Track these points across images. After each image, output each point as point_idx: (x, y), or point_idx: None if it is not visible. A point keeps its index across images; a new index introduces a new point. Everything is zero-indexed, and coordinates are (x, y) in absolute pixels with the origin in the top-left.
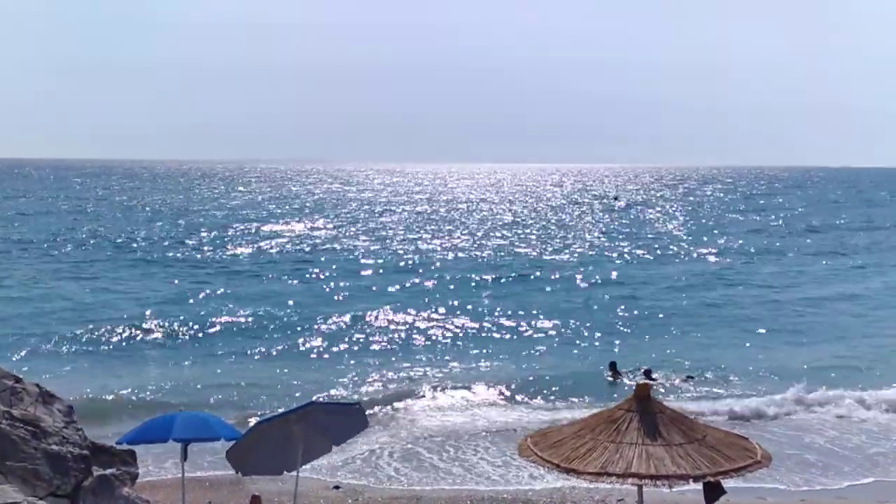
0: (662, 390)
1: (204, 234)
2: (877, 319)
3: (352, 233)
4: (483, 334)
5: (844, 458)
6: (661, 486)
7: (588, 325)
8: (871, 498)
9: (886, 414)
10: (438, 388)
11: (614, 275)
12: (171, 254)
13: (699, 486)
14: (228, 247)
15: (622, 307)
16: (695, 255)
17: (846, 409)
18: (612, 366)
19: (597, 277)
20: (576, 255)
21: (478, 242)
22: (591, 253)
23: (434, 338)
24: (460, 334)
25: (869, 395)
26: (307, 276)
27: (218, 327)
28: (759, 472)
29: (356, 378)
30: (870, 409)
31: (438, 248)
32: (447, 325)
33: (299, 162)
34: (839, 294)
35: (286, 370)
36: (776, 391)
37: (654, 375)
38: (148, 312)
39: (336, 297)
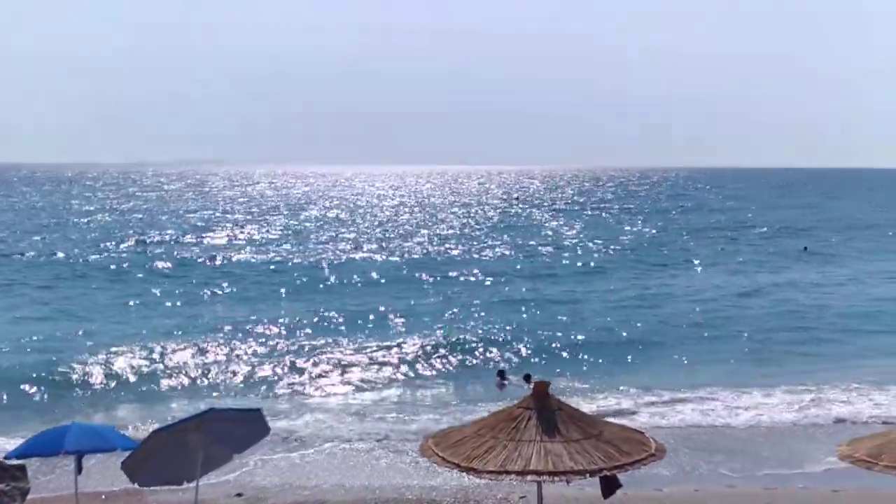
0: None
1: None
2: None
3: (261, 239)
4: (396, 340)
5: (737, 452)
6: (560, 482)
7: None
8: (758, 485)
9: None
10: (344, 393)
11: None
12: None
13: (598, 480)
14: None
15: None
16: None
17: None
18: (501, 373)
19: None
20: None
21: (380, 245)
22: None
23: (342, 344)
24: (370, 340)
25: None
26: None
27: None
28: (656, 463)
29: (259, 384)
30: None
31: (344, 253)
32: (357, 332)
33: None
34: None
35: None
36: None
37: (531, 380)
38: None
39: (238, 305)
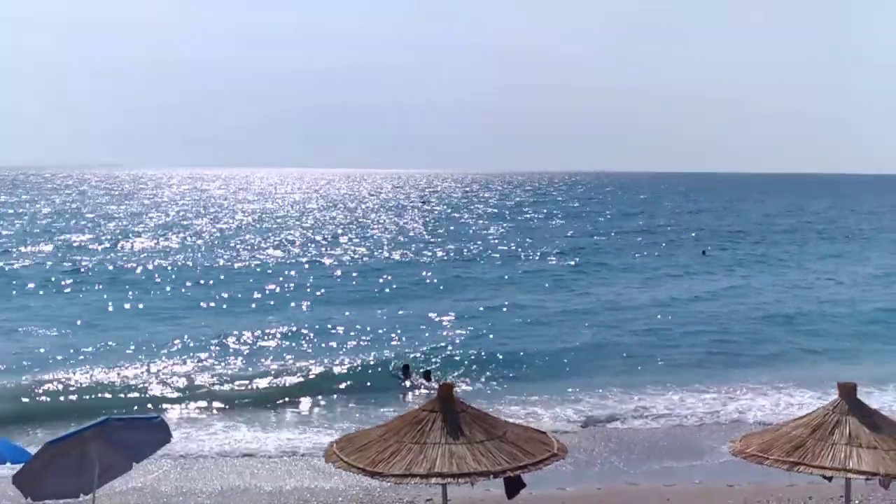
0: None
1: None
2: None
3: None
4: (316, 350)
5: (640, 451)
6: (465, 484)
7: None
8: (658, 482)
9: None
10: (253, 404)
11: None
12: None
13: (502, 480)
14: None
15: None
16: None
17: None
18: (405, 369)
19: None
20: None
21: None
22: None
23: (241, 352)
24: (283, 351)
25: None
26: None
27: None
28: (560, 463)
29: (164, 392)
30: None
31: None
32: (253, 338)
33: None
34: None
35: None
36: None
37: (431, 377)
38: None
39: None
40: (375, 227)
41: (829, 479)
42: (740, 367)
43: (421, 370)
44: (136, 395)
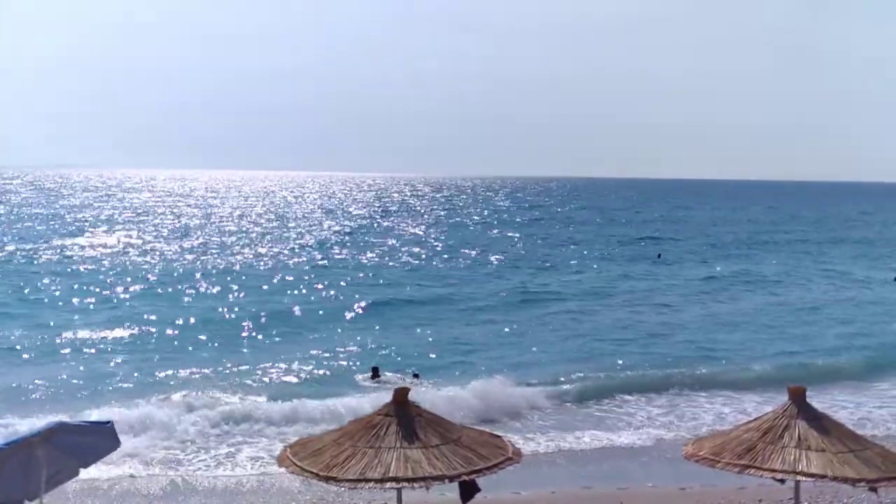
0: None
1: None
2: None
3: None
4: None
5: (591, 456)
6: (420, 488)
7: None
8: (612, 486)
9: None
10: (200, 411)
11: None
12: None
13: (457, 484)
14: None
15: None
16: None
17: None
18: (375, 370)
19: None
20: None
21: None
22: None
23: (195, 353)
24: (218, 348)
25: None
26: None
27: None
28: (514, 467)
29: (103, 397)
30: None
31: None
32: (205, 339)
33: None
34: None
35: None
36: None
37: (419, 377)
38: None
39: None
40: (350, 234)
41: (782, 481)
42: (693, 374)
43: (411, 370)
44: (84, 403)
